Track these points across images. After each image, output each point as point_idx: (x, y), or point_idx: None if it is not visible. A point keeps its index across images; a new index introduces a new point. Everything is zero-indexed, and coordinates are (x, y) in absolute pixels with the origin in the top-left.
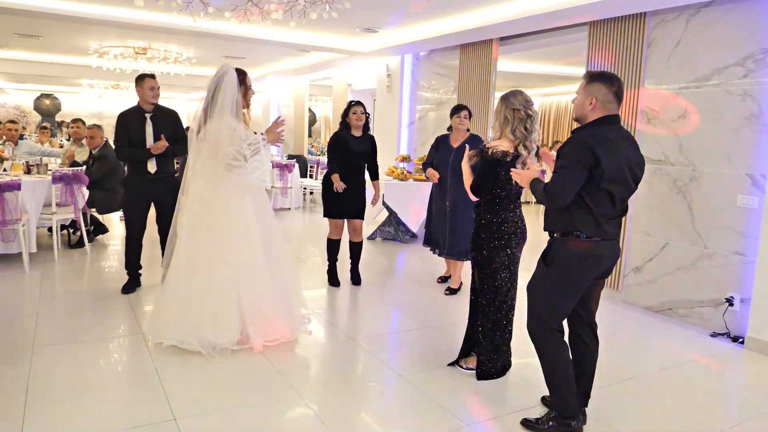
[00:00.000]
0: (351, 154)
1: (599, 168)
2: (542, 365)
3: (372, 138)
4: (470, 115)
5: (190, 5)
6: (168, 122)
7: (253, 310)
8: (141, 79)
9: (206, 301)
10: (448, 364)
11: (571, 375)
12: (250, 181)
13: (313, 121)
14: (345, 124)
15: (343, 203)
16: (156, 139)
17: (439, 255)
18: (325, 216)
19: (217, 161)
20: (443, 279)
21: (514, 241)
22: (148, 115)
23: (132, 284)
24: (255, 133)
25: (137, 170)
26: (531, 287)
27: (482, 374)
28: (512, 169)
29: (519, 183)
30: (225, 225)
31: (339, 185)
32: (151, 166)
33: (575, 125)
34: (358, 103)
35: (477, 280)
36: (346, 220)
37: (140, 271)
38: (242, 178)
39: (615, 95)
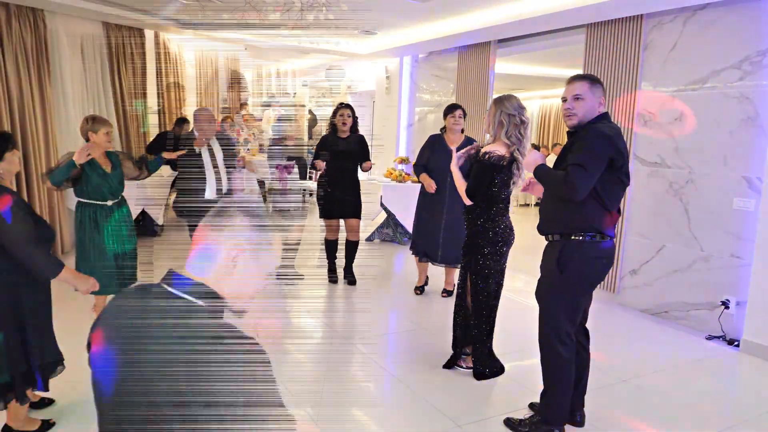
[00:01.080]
0: (336, 154)
1: (621, 160)
2: (545, 372)
3: (361, 137)
4: (465, 115)
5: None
6: None
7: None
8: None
9: None
10: (443, 366)
11: (571, 388)
12: None
13: (314, 123)
14: (333, 126)
15: (337, 204)
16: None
17: (433, 263)
18: (321, 217)
19: None
20: (420, 289)
21: (507, 245)
22: None
23: None
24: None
25: None
26: (545, 296)
27: (480, 374)
28: (533, 149)
29: (524, 166)
30: None
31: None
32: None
33: None
34: (345, 106)
35: (470, 285)
36: (342, 220)
37: None
38: None
39: None
